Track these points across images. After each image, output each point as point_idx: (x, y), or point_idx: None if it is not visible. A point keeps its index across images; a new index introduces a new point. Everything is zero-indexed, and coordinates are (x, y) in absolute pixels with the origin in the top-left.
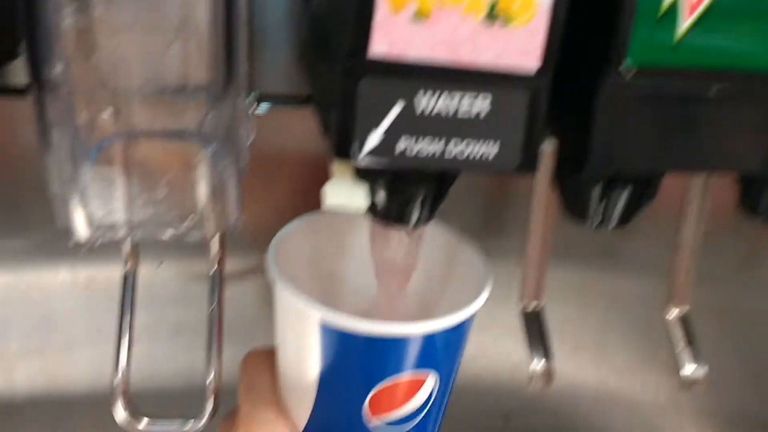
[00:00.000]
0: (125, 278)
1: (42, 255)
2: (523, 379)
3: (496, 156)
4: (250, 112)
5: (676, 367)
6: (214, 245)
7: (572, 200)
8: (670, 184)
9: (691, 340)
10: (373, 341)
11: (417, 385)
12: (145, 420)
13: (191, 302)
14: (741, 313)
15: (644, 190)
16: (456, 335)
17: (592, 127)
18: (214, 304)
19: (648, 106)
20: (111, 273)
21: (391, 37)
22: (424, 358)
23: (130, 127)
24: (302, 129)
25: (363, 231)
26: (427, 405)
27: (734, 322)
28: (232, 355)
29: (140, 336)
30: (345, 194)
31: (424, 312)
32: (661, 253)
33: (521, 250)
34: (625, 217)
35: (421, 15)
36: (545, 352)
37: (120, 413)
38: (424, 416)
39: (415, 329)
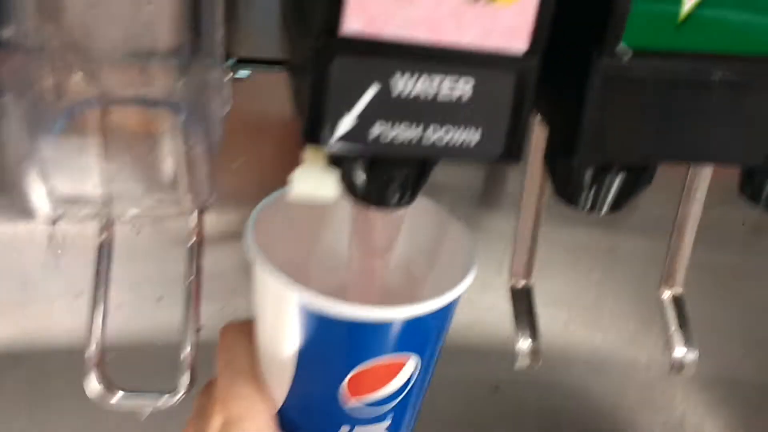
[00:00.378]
0: (100, 248)
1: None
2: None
3: (478, 144)
4: (225, 80)
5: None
6: (192, 217)
7: (563, 184)
8: None
9: (683, 323)
10: (353, 325)
11: (397, 368)
12: (120, 393)
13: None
14: (739, 278)
15: (639, 176)
16: (439, 319)
17: (583, 112)
18: (192, 277)
19: (646, 92)
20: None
21: (366, 13)
22: (405, 341)
23: (98, 94)
24: (287, 94)
25: (345, 201)
26: (407, 387)
27: (730, 287)
28: (215, 313)
29: (123, 299)
30: (313, 183)
31: (411, 287)
32: (664, 214)
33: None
34: (618, 203)
35: None
36: (533, 330)
37: (93, 385)
38: (403, 397)
39: (397, 314)
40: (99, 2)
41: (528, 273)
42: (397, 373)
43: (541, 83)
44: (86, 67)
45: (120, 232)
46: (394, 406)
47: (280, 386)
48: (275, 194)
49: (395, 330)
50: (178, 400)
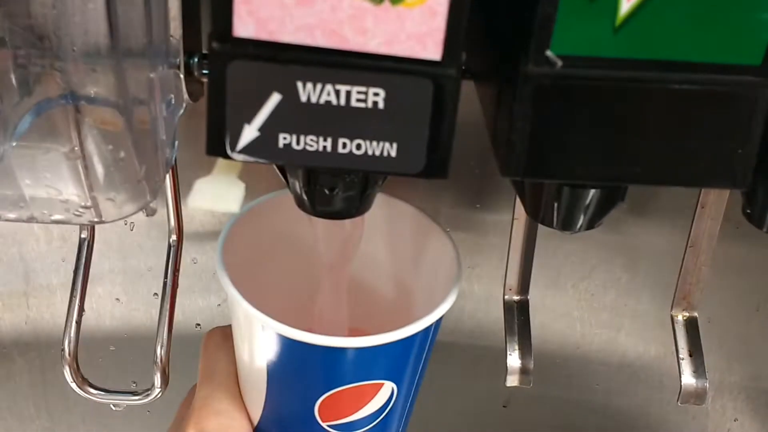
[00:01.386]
0: (80, 247)
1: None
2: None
3: (398, 157)
4: (178, 78)
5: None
6: (171, 216)
7: (528, 202)
8: None
9: (694, 349)
10: (319, 350)
11: (371, 393)
12: (92, 390)
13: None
14: (749, 267)
15: (610, 194)
16: (416, 344)
17: (512, 124)
18: (168, 278)
19: (581, 103)
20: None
21: (257, 16)
22: (377, 367)
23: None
24: None
25: None
26: (384, 411)
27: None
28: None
29: (118, 294)
30: (215, 195)
31: (403, 298)
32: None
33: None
34: (591, 221)
35: None
36: (525, 348)
37: (71, 383)
38: (382, 421)
39: (357, 343)
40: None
41: (522, 287)
42: (372, 397)
43: (477, 82)
44: (45, 65)
45: (114, 228)
46: (373, 427)
47: (255, 402)
48: (246, 208)
49: (363, 357)
50: (150, 400)
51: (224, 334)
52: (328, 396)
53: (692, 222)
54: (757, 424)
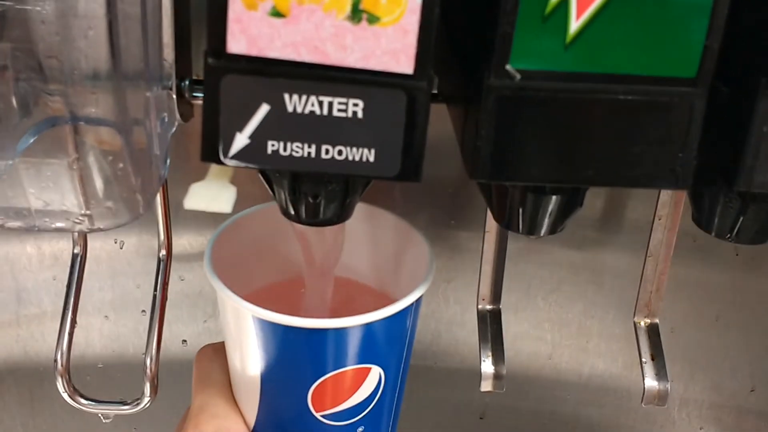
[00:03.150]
0: (73, 261)
1: (7, 231)
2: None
3: (375, 162)
4: (171, 100)
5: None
6: (161, 230)
7: (495, 208)
8: None
9: (656, 354)
10: (307, 333)
11: (360, 378)
12: (83, 400)
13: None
14: (741, 301)
15: (570, 198)
16: (396, 326)
17: (477, 132)
18: (158, 290)
19: (537, 114)
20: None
21: (248, 34)
22: (364, 351)
23: (59, 114)
24: None
25: None
26: (374, 397)
27: (733, 310)
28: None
29: (107, 312)
30: (209, 196)
31: (382, 293)
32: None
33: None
34: (550, 226)
35: (279, 11)
36: (497, 355)
37: (63, 393)
38: (373, 408)
39: (344, 323)
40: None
41: (495, 296)
42: (361, 383)
43: (449, 104)
44: (44, 89)
45: (104, 246)
46: (365, 416)
47: (250, 403)
48: (235, 216)
49: (350, 339)
50: (139, 409)
51: (215, 349)
52: (320, 384)
53: (650, 234)
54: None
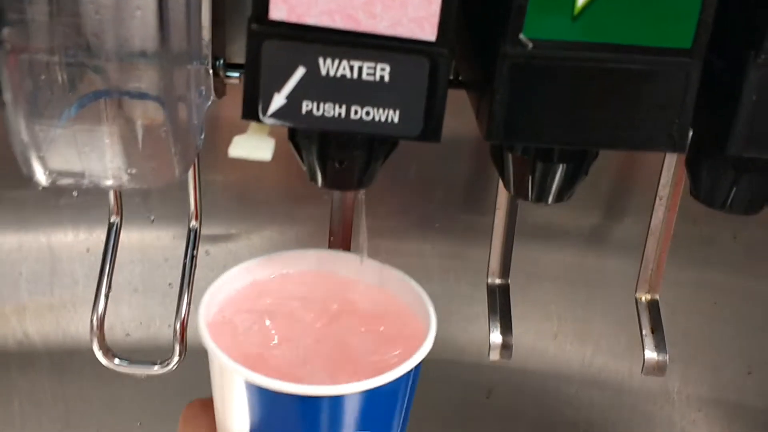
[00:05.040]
0: (109, 229)
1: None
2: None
3: (399, 123)
4: (209, 78)
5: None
6: (192, 200)
7: (505, 176)
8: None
9: (656, 326)
10: (300, 400)
11: None
12: (116, 360)
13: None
14: (740, 299)
15: (576, 167)
16: (391, 392)
17: (493, 98)
18: (189, 255)
19: (548, 79)
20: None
21: (289, 3)
22: (358, 419)
23: (102, 89)
24: None
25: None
26: None
27: (732, 308)
28: None
29: (136, 290)
30: (251, 147)
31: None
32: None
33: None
34: (560, 194)
35: None
36: (505, 326)
37: (97, 352)
38: None
39: (335, 390)
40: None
41: (504, 271)
42: None
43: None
44: (92, 65)
45: (135, 219)
46: None
47: None
48: (233, 270)
49: (343, 407)
50: (170, 369)
51: (203, 405)
52: None
53: (651, 213)
54: (720, 413)
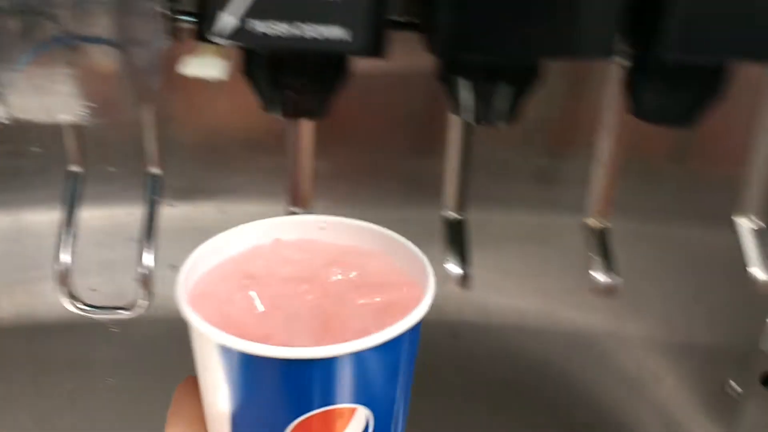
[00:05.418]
0: (72, 178)
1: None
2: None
3: (348, 40)
4: (160, 18)
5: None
6: (151, 146)
7: (449, 96)
8: None
9: (606, 253)
10: (280, 364)
11: (343, 421)
12: (83, 306)
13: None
14: (690, 241)
15: (521, 86)
16: (382, 359)
17: (437, 16)
18: (150, 204)
19: None
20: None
21: None
22: (344, 389)
23: (58, 35)
24: None
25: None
26: None
27: (683, 251)
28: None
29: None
30: (202, 66)
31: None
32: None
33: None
34: (508, 114)
35: None
36: (463, 258)
37: (63, 299)
38: None
39: (315, 353)
40: None
41: (462, 206)
42: (345, 427)
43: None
44: (48, 12)
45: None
46: None
47: None
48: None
49: (330, 373)
50: (132, 313)
51: (193, 383)
52: (295, 426)
53: (596, 143)
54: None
